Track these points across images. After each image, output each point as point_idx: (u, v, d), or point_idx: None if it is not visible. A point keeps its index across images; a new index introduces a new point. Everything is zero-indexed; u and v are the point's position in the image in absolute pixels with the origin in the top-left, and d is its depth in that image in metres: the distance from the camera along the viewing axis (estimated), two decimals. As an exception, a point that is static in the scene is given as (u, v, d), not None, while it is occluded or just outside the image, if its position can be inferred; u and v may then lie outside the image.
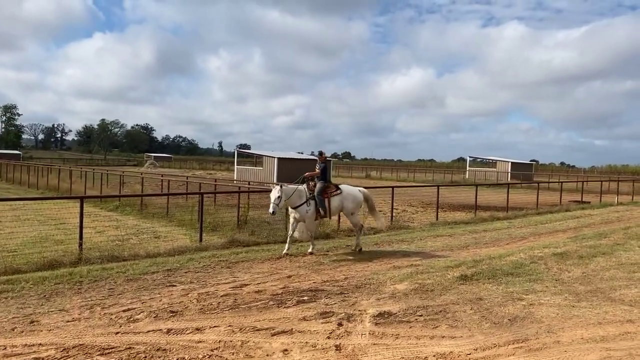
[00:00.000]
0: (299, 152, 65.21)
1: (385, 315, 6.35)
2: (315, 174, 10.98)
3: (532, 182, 38.61)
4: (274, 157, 42.09)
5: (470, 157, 70.45)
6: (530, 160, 73.71)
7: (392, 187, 17.33)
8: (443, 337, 5.63)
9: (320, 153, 11.53)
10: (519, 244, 12.32)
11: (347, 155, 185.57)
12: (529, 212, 20.15)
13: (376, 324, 6.05)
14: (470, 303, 6.95)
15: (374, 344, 5.35)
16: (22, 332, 5.53)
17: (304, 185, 10.61)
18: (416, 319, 6.25)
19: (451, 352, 5.14)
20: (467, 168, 66.02)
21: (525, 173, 57.47)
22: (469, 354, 5.10)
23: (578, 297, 7.43)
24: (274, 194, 9.85)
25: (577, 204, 24.99)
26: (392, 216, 16.24)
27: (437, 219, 17.23)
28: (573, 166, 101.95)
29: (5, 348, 5.01)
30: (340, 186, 11.20)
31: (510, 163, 60.91)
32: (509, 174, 56.40)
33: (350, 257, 10.14)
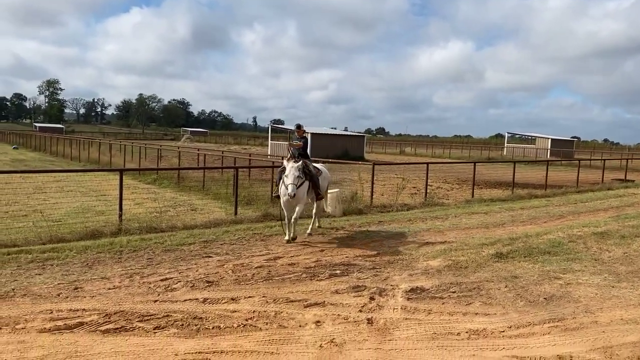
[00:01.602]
0: (332, 128, 65.04)
1: (418, 291, 6.34)
2: (298, 145, 9.84)
3: (573, 160, 37.43)
4: (308, 133, 42.08)
5: (508, 133, 68.69)
6: (572, 137, 71.33)
7: (427, 164, 17.11)
8: (476, 314, 5.59)
9: (298, 126, 10.19)
10: (557, 223, 12.02)
11: (380, 131, 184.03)
12: (568, 190, 19.57)
13: (408, 299, 6.05)
14: (505, 281, 6.86)
15: (406, 319, 5.36)
16: (67, 297, 5.79)
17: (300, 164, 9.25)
18: (449, 295, 6.22)
19: (484, 329, 5.10)
20: (505, 144, 64.46)
21: (566, 150, 55.67)
22: (503, 332, 5.05)
23: (618, 278, 7.22)
24: (293, 172, 8.62)
25: (620, 182, 24.13)
26: (426, 192, 16.07)
27: (472, 196, 16.96)
28: (617, 143, 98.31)
29: (51, 312, 5.26)
30: (317, 165, 10.33)
31: (550, 140, 59.08)
32: (549, 150, 54.74)
33: (383, 233, 10.13)
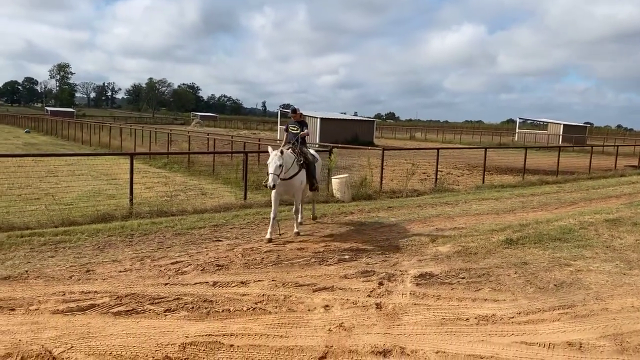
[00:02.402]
0: (342, 112, 64.75)
1: (427, 277, 6.34)
2: (305, 134, 9.04)
3: (585, 146, 36.98)
4: (317, 118, 41.92)
5: (520, 118, 68.02)
6: (585, 123, 70.51)
7: (437, 149, 17.01)
8: (485, 300, 5.58)
9: (294, 110, 9.26)
10: (569, 209, 11.92)
11: (390, 116, 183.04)
12: (580, 177, 19.40)
13: (417, 284, 6.05)
14: (515, 267, 6.83)
15: (415, 304, 5.37)
16: (79, 280, 5.86)
17: (290, 151, 8.47)
18: (458, 281, 6.21)
19: (493, 314, 5.10)
20: (517, 130, 63.84)
21: (578, 136, 55.01)
22: (512, 318, 5.05)
23: (630, 265, 7.16)
24: (275, 161, 7.70)
25: (633, 168, 23.84)
26: (436, 178, 15.99)
27: (483, 182, 16.86)
28: (631, 129, 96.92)
29: (64, 294, 5.33)
30: (311, 152, 9.51)
31: (562, 125, 58.42)
32: (561, 136, 54.17)
33: (393, 219, 10.11)
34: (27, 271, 6.06)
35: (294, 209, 8.67)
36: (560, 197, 14.08)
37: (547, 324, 4.89)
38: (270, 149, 7.96)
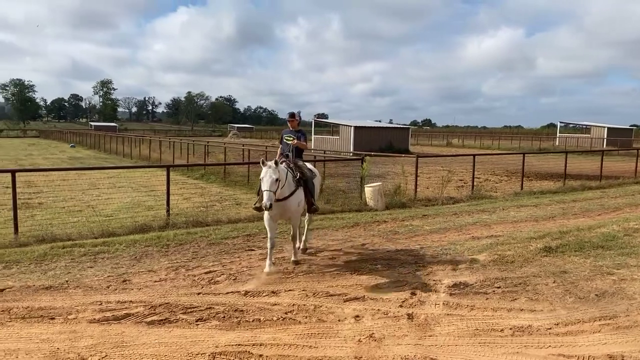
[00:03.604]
0: (376, 120, 64.56)
1: (461, 286, 6.21)
2: (304, 146, 7.84)
3: (631, 149, 35.53)
4: (351, 126, 41.92)
5: (561, 122, 66.11)
6: (630, 125, 67.81)
7: (473, 155, 16.69)
8: (522, 310, 5.41)
9: (292, 115, 7.85)
10: (612, 215, 11.45)
11: (427, 122, 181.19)
12: (626, 182, 18.61)
13: (451, 294, 5.93)
14: (554, 276, 6.60)
15: (448, 314, 5.26)
16: (116, 289, 6.02)
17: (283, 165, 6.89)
18: (494, 291, 6.05)
19: (530, 325, 4.93)
20: (558, 134, 62.03)
21: (623, 139, 52.95)
22: (549, 329, 4.87)
23: (678, 274, 6.80)
24: (270, 174, 6.32)
25: (683, 172, 22.66)
26: (472, 185, 15.68)
27: (521, 188, 16.42)
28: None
29: (101, 304, 5.48)
30: (309, 166, 8.04)
31: (606, 128, 56.35)
32: (605, 140, 52.27)
33: (427, 227, 9.96)
34: (67, 281, 6.27)
35: (291, 234, 7.42)
36: (604, 202, 13.55)
37: (587, 336, 4.69)
38: (261, 164, 6.51)
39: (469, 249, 8.12)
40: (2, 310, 5.22)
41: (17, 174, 9.20)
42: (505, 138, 65.85)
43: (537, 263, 7.25)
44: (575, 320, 5.09)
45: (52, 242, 8.22)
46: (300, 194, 7.06)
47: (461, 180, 18.59)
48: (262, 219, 10.44)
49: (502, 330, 4.82)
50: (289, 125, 7.90)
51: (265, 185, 6.31)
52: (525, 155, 18.20)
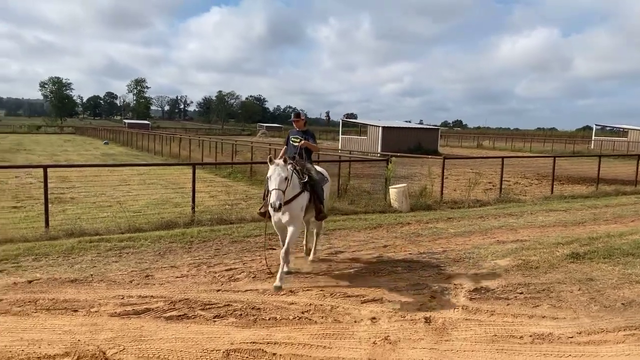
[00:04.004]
0: (406, 121, 64.09)
1: (482, 291, 6.10)
2: (314, 147, 7.33)
3: (671, 154, 34.20)
4: (379, 126, 41.70)
5: (597, 125, 64.18)
6: (671, 129, 65.26)
7: (502, 158, 16.36)
8: (543, 317, 5.28)
9: (297, 115, 7.27)
10: (647, 222, 11.06)
11: (458, 123, 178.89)
12: (663, 187, 17.93)
13: (471, 299, 5.84)
14: (579, 283, 6.42)
15: (466, 319, 5.18)
16: (138, 284, 6.15)
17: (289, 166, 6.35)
18: (515, 297, 5.92)
19: (550, 333, 4.81)
20: (593, 137, 60.23)
21: (663, 143, 51.04)
22: (571, 337, 4.74)
23: None
24: (278, 172, 5.95)
25: None
26: (500, 188, 15.38)
27: (552, 192, 16.02)
28: None
29: (123, 298, 5.60)
30: (318, 169, 7.43)
31: (644, 132, 54.47)
32: (643, 144, 50.48)
33: (451, 230, 9.83)
34: (92, 275, 6.44)
35: (283, 248, 6.33)
36: (638, 209, 13.10)
37: (610, 346, 4.54)
38: (270, 159, 6.23)
39: (492, 253, 7.98)
40: (29, 301, 5.40)
41: (49, 170, 9.49)
42: (538, 140, 64.32)
43: (562, 269, 7.07)
44: (599, 329, 4.94)
45: (80, 237, 8.44)
46: (304, 198, 6.50)
47: (490, 182, 18.26)
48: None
49: (521, 337, 4.72)
50: (294, 126, 7.34)
51: (273, 184, 5.90)
52: (557, 158, 17.77)
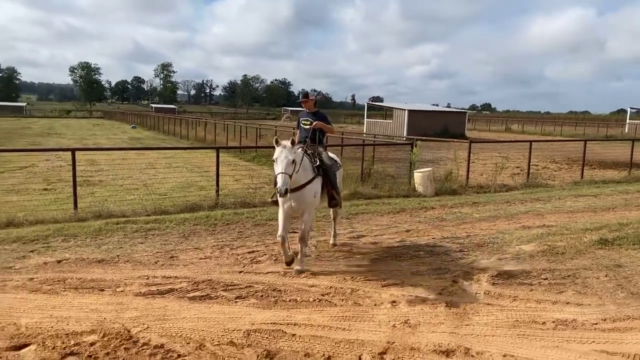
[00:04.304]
0: (433, 104, 63.20)
1: (505, 276, 6.03)
2: (330, 129, 6.93)
3: None
4: (404, 110, 41.24)
5: (632, 108, 62.08)
6: None
7: (530, 142, 16.03)
8: (567, 303, 5.19)
9: (306, 95, 6.87)
10: (680, 208, 10.72)
11: (486, 107, 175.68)
12: (699, 172, 17.31)
13: (493, 284, 5.77)
14: (606, 269, 6.28)
15: (488, 304, 5.13)
16: (163, 265, 6.28)
17: (299, 149, 6.07)
18: (539, 282, 5.83)
19: (574, 319, 4.73)
20: (627, 121, 58.32)
21: (701, 127, 49.13)
22: (596, 324, 4.65)
23: None
24: (286, 155, 5.60)
25: None
26: (528, 173, 15.09)
27: (582, 177, 15.65)
28: None
29: (147, 278, 5.73)
30: (331, 155, 6.97)
31: (682, 115, 52.46)
32: (681, 127, 48.70)
33: (476, 215, 9.71)
34: (118, 255, 6.60)
35: (299, 234, 6.17)
36: (672, 194, 12.69)
37: (635, 333, 4.44)
38: (276, 140, 5.83)
39: (517, 238, 7.85)
40: (58, 280, 5.57)
41: (78, 153, 9.71)
42: (570, 124, 62.67)
43: (590, 255, 6.92)
44: (625, 316, 4.83)
45: (108, 218, 8.65)
46: (317, 183, 6.13)
47: (518, 167, 17.95)
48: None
49: (543, 323, 4.65)
50: (303, 107, 6.93)
51: (279, 167, 5.54)
52: (588, 142, 17.29)
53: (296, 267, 6.01)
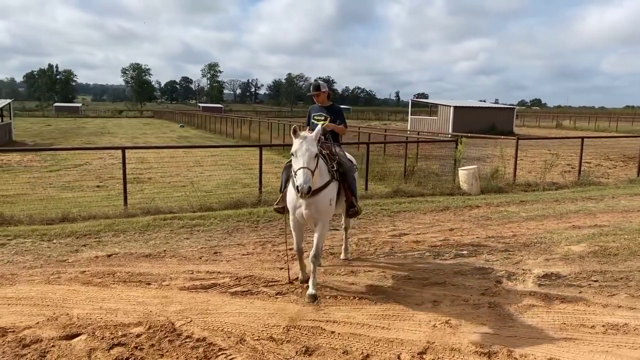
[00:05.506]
0: (480, 100, 61.70)
1: (552, 277, 5.83)
2: (341, 130, 6.07)
3: None
4: (450, 106, 40.43)
5: (695, 102, 58.48)
6: None
7: (582, 138, 15.38)
8: (619, 306, 4.97)
9: (317, 87, 6.03)
10: None
11: (536, 102, 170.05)
12: None
13: (540, 285, 5.59)
14: (663, 273, 5.96)
15: (533, 306, 4.97)
16: (207, 260, 6.43)
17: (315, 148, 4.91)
18: (589, 284, 5.61)
19: (626, 324, 4.52)
20: (690, 116, 55.04)
21: None
22: (650, 329, 4.42)
23: None
24: (308, 147, 4.76)
25: None
26: (579, 170, 14.50)
27: (638, 174, 14.91)
28: None
29: (192, 273, 5.89)
30: (347, 155, 6.09)
31: None
32: None
33: (523, 214, 9.43)
34: (164, 250, 6.81)
35: (311, 252, 5.23)
36: None
37: (694, 341, 4.19)
38: (294, 130, 5.01)
39: (567, 238, 7.58)
40: (108, 274, 5.81)
41: (129, 151, 10.08)
42: (626, 119, 59.75)
43: (645, 257, 6.59)
44: (682, 322, 4.57)
45: (155, 214, 8.93)
46: (333, 189, 5.23)
47: (569, 164, 17.27)
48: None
49: (592, 327, 4.47)
50: (315, 101, 6.15)
51: (300, 161, 4.68)
52: (645, 138, 16.44)
53: (311, 291, 5.07)
